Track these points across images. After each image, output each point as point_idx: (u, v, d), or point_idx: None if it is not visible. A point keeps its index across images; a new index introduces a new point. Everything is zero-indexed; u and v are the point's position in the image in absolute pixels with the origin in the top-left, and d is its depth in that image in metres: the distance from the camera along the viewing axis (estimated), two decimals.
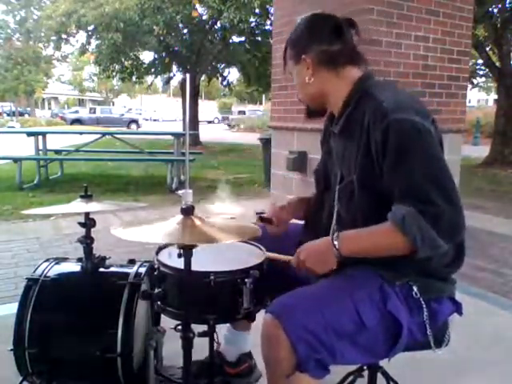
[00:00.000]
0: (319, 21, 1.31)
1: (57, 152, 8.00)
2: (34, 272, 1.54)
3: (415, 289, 1.17)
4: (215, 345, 1.40)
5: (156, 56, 15.22)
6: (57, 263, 1.60)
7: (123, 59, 14.08)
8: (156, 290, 1.24)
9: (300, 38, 1.30)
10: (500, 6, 10.54)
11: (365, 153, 1.16)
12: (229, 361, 1.70)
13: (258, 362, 1.72)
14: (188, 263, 1.10)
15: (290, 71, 1.36)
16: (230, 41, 14.21)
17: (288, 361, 1.07)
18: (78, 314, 1.50)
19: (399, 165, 1.09)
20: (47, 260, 1.62)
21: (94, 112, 28.93)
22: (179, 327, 1.16)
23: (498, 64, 11.27)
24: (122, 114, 30.32)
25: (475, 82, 17.16)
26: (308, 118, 1.40)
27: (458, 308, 1.26)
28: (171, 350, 1.67)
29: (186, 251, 1.09)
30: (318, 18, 1.33)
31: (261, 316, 1.25)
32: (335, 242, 1.14)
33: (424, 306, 1.17)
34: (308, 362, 1.06)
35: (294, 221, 1.58)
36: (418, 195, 1.07)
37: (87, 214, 1.53)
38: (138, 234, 1.06)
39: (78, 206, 1.53)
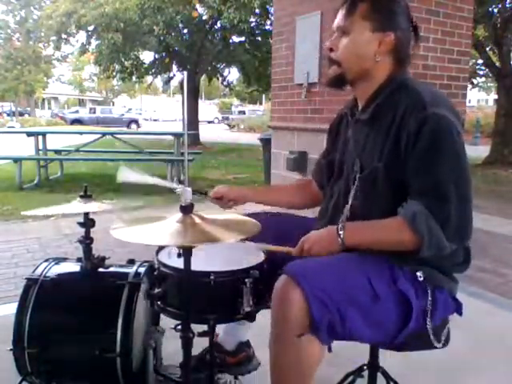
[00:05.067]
0: (408, 10, 1.23)
1: (57, 152, 7.98)
2: (34, 272, 1.54)
3: (420, 274, 1.17)
4: None
5: (156, 56, 15.22)
6: (56, 263, 1.60)
7: (123, 59, 14.07)
8: (156, 290, 1.24)
9: (395, 8, 1.20)
10: (500, 5, 10.55)
11: (394, 141, 1.15)
12: (227, 350, 1.68)
13: (256, 350, 1.72)
14: (188, 263, 1.10)
15: (346, 25, 1.21)
16: (230, 41, 14.20)
17: (299, 321, 1.05)
18: (77, 313, 1.50)
19: (427, 160, 1.10)
20: (47, 260, 1.62)
21: (94, 112, 28.92)
22: (179, 327, 1.16)
23: (498, 64, 11.27)
24: (122, 114, 30.32)
25: (475, 82, 17.15)
26: (328, 86, 1.33)
27: (458, 307, 1.26)
28: (171, 349, 1.68)
29: (186, 251, 1.09)
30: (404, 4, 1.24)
31: (261, 316, 1.25)
32: (340, 232, 1.14)
33: (428, 290, 1.17)
34: (321, 322, 1.05)
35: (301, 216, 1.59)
36: (437, 194, 1.08)
37: (86, 214, 1.53)
38: (138, 235, 1.05)
39: (78, 206, 1.53)
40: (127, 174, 1.21)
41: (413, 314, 1.13)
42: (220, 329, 1.67)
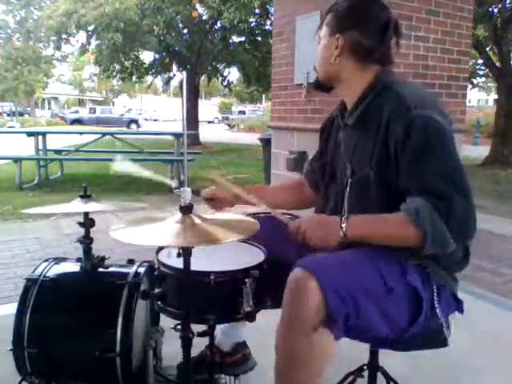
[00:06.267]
0: (375, 9, 1.25)
1: (57, 152, 7.98)
2: (34, 272, 1.54)
3: (426, 270, 1.17)
4: None
5: (156, 56, 15.23)
6: (56, 263, 1.60)
7: (123, 59, 14.08)
8: (156, 290, 1.24)
9: (347, 14, 1.25)
10: (500, 5, 10.55)
11: (382, 147, 1.15)
12: (224, 351, 1.68)
13: (252, 351, 1.71)
14: (187, 263, 1.09)
15: (320, 36, 1.33)
16: (230, 41, 14.21)
17: (315, 313, 1.04)
18: (77, 313, 1.50)
19: (419, 162, 1.10)
20: (46, 260, 1.62)
21: (94, 112, 28.91)
22: (179, 327, 1.16)
23: (498, 64, 11.28)
24: (122, 114, 30.32)
25: (475, 82, 17.14)
26: (315, 89, 1.41)
27: (459, 305, 1.26)
28: (171, 350, 1.67)
29: (186, 251, 1.09)
30: (376, 4, 1.26)
31: (260, 316, 1.25)
32: (343, 225, 1.14)
33: (434, 287, 1.18)
34: (338, 314, 1.04)
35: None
36: (435, 191, 1.08)
37: (86, 214, 1.53)
38: (137, 236, 1.05)
39: (78, 205, 1.53)
40: (122, 166, 1.23)
41: (423, 307, 1.13)
42: (217, 330, 1.67)
